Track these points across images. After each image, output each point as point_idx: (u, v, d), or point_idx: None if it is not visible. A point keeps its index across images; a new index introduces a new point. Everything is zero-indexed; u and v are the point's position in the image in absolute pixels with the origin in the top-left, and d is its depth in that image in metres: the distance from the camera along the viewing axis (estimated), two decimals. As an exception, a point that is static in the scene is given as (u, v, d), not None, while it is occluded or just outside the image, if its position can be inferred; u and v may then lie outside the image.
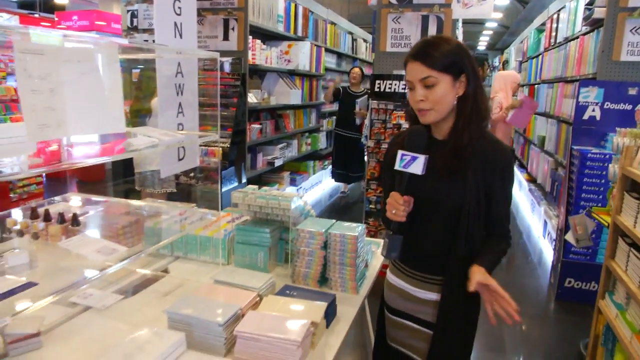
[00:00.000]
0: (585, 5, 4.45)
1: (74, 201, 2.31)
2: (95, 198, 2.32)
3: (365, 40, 10.01)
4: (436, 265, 1.63)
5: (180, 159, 2.46)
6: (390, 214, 1.51)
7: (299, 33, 6.06)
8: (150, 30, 7.03)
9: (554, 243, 4.65)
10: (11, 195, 5.31)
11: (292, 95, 5.83)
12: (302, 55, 5.96)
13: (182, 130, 2.30)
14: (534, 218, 6.01)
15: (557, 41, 5.80)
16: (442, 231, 1.60)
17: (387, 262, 1.87)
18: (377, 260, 2.28)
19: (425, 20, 4.19)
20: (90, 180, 8.09)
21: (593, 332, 2.72)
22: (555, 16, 6.08)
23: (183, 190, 4.66)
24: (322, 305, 1.63)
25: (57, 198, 2.15)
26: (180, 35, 2.36)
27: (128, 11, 6.99)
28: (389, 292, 1.79)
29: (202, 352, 1.44)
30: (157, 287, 1.97)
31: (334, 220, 2.09)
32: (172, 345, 1.36)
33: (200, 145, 3.10)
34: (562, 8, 5.68)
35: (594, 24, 4.28)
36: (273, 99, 5.56)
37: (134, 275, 2.05)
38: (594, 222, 3.04)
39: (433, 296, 1.66)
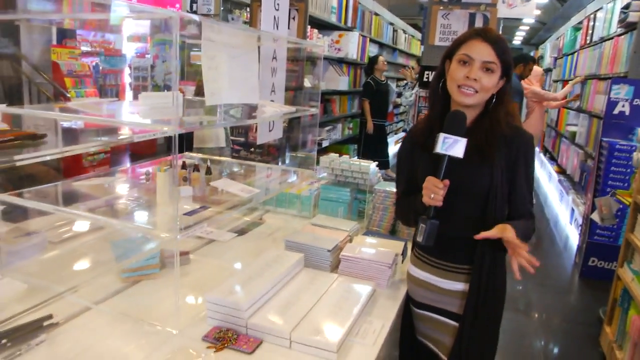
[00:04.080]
0: (621, 8, 4.80)
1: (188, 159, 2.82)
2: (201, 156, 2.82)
3: (404, 32, 10.38)
4: (463, 253, 1.63)
5: (270, 130, 2.96)
6: (427, 199, 1.50)
7: (349, 24, 6.50)
8: (208, 16, 7.54)
9: (579, 229, 5.05)
10: (83, 161, 5.89)
11: (341, 81, 6.29)
12: (350, 45, 6.40)
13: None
14: (561, 207, 6.39)
15: (593, 40, 6.12)
16: (469, 218, 1.60)
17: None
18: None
19: (472, 18, 4.59)
20: (142, 153, 8.69)
21: (612, 296, 3.15)
22: (592, 16, 6.39)
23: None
24: (401, 243, 2.11)
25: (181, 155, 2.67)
26: (277, 27, 2.84)
27: (188, -3, 7.49)
28: (413, 285, 1.78)
29: (314, 269, 1.92)
30: (260, 229, 2.47)
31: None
32: (297, 261, 1.84)
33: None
34: (599, 9, 6.01)
35: (628, 27, 4.63)
36: (323, 84, 6.02)
37: (239, 221, 2.55)
38: (618, 203, 3.46)
39: (460, 286, 1.66)
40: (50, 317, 1.44)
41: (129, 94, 8.50)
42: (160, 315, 1.57)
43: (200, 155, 2.74)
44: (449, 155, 1.48)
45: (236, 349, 1.41)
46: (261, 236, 2.38)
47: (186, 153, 2.72)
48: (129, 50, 9.29)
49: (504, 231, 1.48)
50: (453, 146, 1.47)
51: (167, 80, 8.64)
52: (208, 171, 2.23)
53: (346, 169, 2.56)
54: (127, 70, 8.90)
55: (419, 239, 1.53)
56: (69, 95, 5.51)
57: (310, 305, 1.59)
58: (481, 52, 1.51)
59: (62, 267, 1.84)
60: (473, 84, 1.51)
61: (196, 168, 2.27)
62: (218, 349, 1.41)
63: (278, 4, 2.80)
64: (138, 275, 1.82)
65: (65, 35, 6.15)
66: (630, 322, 2.72)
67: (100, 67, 8.39)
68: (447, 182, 1.50)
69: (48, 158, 1.18)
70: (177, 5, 8.15)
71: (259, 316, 1.51)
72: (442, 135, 1.49)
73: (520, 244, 1.45)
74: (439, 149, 1.49)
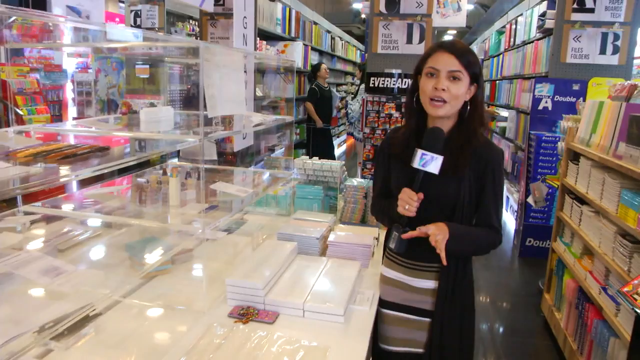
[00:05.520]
0: (539, 16, 5.41)
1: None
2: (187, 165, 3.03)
3: (341, 39, 10.82)
4: (432, 254, 1.62)
5: (244, 138, 3.22)
6: (402, 209, 1.60)
7: (293, 34, 6.82)
8: (152, 29, 7.60)
9: (515, 214, 5.60)
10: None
11: (288, 89, 6.59)
12: (295, 54, 6.72)
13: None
14: (496, 196, 6.99)
15: (516, 43, 6.77)
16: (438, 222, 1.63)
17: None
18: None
19: (410, 28, 5.03)
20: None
21: (549, 267, 3.63)
22: (514, 21, 7.05)
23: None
24: (374, 229, 2.44)
25: (163, 165, 2.87)
26: (246, 43, 3.11)
27: (131, 11, 7.54)
28: (384, 286, 1.86)
29: (305, 255, 2.21)
30: (246, 227, 2.72)
31: (367, 179, 2.89)
32: (293, 249, 2.13)
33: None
34: (519, 15, 6.66)
35: (545, 32, 5.23)
36: (272, 93, 6.31)
37: (225, 220, 2.78)
38: (548, 187, 3.97)
39: (430, 284, 1.74)
40: (93, 307, 1.65)
41: (72, 109, 8.40)
42: (183, 302, 1.81)
43: (181, 163, 2.96)
44: (425, 171, 1.57)
45: (260, 321, 1.68)
46: (249, 233, 2.64)
47: (169, 162, 2.92)
48: (70, 65, 9.15)
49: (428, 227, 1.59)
50: (429, 163, 1.55)
51: (111, 94, 8.61)
52: (198, 176, 2.47)
53: (317, 169, 2.87)
54: (69, 86, 8.77)
55: (392, 245, 1.64)
56: (21, 113, 5.48)
57: (312, 282, 1.89)
58: (445, 62, 1.57)
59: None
60: (442, 94, 1.57)
61: (188, 174, 2.51)
62: (244, 322, 1.67)
63: (246, 23, 3.08)
64: (155, 271, 2.04)
65: (12, 53, 6.09)
66: (566, 286, 3.19)
67: (41, 84, 8.23)
68: (421, 195, 1.58)
69: (115, 167, 1.40)
70: (117, 19, 8.15)
71: (273, 293, 1.78)
72: (419, 152, 1.56)
73: (441, 249, 1.56)
74: (416, 164, 1.56)
